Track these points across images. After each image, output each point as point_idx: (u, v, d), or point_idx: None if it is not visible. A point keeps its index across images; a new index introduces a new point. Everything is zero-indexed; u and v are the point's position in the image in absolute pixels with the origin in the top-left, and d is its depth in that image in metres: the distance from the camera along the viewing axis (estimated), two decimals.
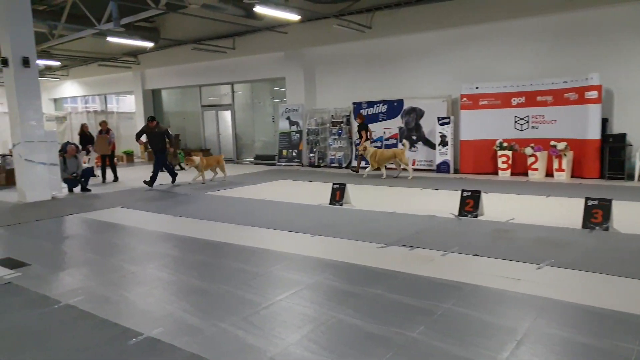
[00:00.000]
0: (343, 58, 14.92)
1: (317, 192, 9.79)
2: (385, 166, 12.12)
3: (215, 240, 6.13)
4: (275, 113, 16.87)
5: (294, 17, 12.22)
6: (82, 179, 10.91)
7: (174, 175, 11.95)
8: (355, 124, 14.49)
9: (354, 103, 14.54)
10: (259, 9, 11.11)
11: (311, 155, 15.48)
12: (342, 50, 14.80)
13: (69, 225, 7.53)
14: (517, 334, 3.25)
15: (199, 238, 6.27)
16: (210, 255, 5.48)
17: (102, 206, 8.96)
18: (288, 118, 15.80)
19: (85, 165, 12.27)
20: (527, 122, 11.78)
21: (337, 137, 14.91)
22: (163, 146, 11.72)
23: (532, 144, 11.33)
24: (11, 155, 11.93)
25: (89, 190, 10.94)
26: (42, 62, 17.93)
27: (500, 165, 11.92)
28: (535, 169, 11.36)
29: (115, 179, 12.86)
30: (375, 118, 14.16)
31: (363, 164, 13.14)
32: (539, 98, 11.53)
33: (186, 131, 19.74)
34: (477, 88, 12.25)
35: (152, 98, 20.64)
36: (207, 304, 3.98)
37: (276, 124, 16.59)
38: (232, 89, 17.99)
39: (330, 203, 8.33)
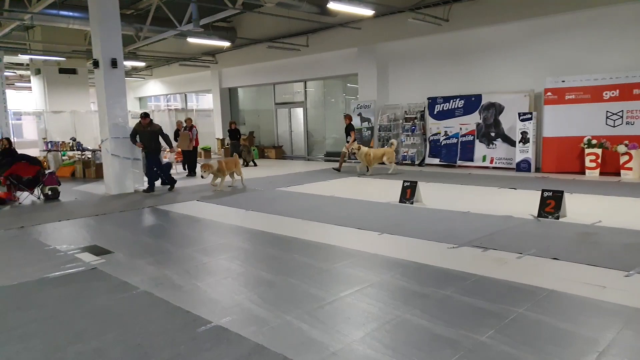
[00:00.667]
0: (417, 52, 14.59)
1: (387, 189, 9.64)
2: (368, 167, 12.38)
3: (283, 234, 6.21)
4: (347, 109, 16.84)
5: (368, 12, 12.12)
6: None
7: (171, 182, 10.90)
8: (430, 120, 14.14)
9: (429, 98, 14.18)
10: (333, 5, 11.12)
11: None
12: (417, 45, 14.47)
13: (148, 216, 7.97)
14: (598, 344, 2.99)
15: (268, 232, 6.39)
16: (279, 248, 5.56)
17: (180, 199, 9.39)
18: (360, 114, 15.72)
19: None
20: (621, 117, 10.86)
21: (410, 133, 14.62)
22: (157, 147, 10.45)
23: (626, 141, 10.43)
24: (100, 150, 12.88)
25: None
26: (128, 63, 19.16)
27: (587, 164, 11.10)
28: (629, 169, 10.45)
29: (193, 174, 13.45)
30: (451, 114, 13.73)
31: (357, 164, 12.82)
32: (635, 91, 10.59)
33: (260, 128, 20.26)
34: (563, 82, 11.48)
35: (229, 96, 21.38)
36: (273, 296, 4.03)
37: None
38: (305, 86, 18.21)
39: (400, 201, 8.17)
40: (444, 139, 13.92)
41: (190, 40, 15.16)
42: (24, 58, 19.15)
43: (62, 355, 3.12)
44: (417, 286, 4.15)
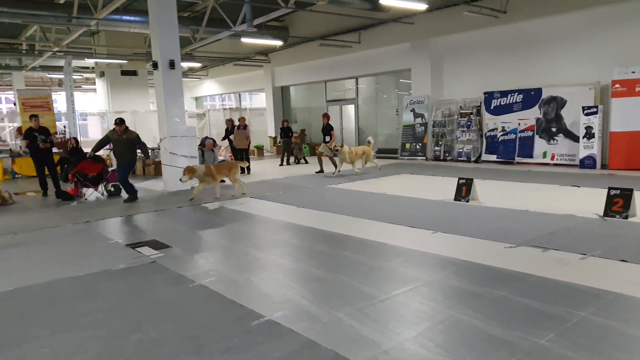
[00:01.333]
0: (473, 46, 14.17)
1: (441, 187, 9.44)
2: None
3: (334, 231, 6.22)
4: (400, 105, 16.63)
5: (422, 6, 11.89)
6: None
7: (131, 193, 9.56)
8: (486, 115, 13.71)
9: (485, 93, 13.75)
10: (385, 1, 10.99)
11: (436, 148, 14.99)
12: (473, 38, 14.06)
13: (204, 212, 8.21)
14: None
15: (319, 229, 6.41)
16: (330, 245, 5.57)
17: (234, 196, 9.60)
18: (412, 110, 15.47)
19: (220, 159, 13.24)
20: None
21: (465, 129, 14.24)
22: (132, 157, 9.45)
23: None
24: (159, 149, 13.39)
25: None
26: (185, 64, 19.81)
27: None
28: None
29: (248, 171, 13.69)
30: (509, 108, 13.24)
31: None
32: None
33: (311, 126, 20.37)
34: (633, 72, 10.79)
35: (281, 94, 21.65)
36: (324, 292, 4.04)
37: (400, 116, 16.35)
38: (357, 83, 18.13)
39: (455, 199, 7.97)
40: (502, 135, 13.45)
41: (244, 40, 15.46)
42: (89, 62, 20.22)
43: (124, 343, 3.27)
44: (471, 286, 4.03)
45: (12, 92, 25.12)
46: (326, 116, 13.42)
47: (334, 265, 4.80)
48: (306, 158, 16.31)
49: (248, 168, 13.70)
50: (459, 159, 14.27)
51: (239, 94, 26.07)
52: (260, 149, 19.95)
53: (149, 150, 9.75)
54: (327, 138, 13.07)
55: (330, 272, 4.57)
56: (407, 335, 3.17)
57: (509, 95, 13.24)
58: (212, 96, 28.61)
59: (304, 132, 19.57)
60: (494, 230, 5.85)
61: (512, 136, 13.16)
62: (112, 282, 4.59)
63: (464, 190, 7.95)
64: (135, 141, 9.24)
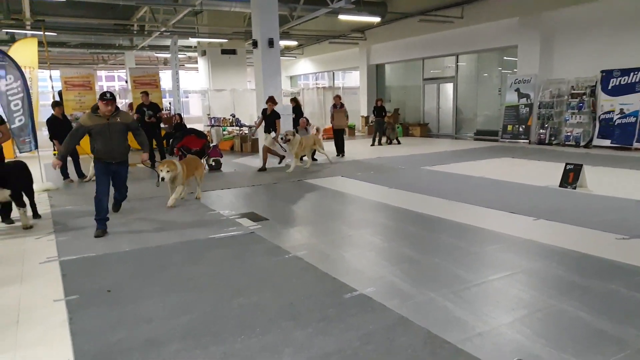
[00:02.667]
0: (591, 20, 12.94)
1: (545, 172, 8.88)
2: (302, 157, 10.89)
3: (428, 213, 6.13)
4: (503, 85, 15.73)
5: None
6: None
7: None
8: (602, 96, 12.54)
9: (602, 71, 12.55)
10: None
11: (541, 131, 14.03)
12: (590, 11, 12.83)
13: (298, 189, 8.45)
14: None
15: (412, 210, 6.35)
16: (423, 227, 5.51)
17: (327, 174, 9.77)
18: (517, 90, 14.58)
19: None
20: None
21: (576, 110, 13.16)
22: (125, 151, 5.99)
23: None
24: (256, 127, 13.92)
25: (315, 160, 12.02)
26: (282, 43, 20.21)
27: None
28: None
29: (342, 154, 13.22)
30: (630, 88, 12.00)
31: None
32: None
33: (406, 105, 19.99)
34: None
35: (376, 73, 21.41)
36: (417, 272, 4.04)
37: (502, 96, 15.49)
38: (457, 61, 17.40)
39: (561, 185, 7.46)
40: (619, 118, 12.26)
41: (341, 17, 15.41)
42: (192, 41, 21.32)
43: (228, 306, 3.53)
44: (577, 277, 3.80)
45: (124, 71, 27.36)
46: (271, 101, 10.44)
47: (428, 247, 4.75)
48: (399, 139, 16.07)
49: (342, 149, 13.13)
50: (567, 143, 13.26)
51: (333, 73, 26.19)
52: (351, 128, 20.00)
53: (147, 144, 6.33)
54: (271, 130, 10.52)
55: (424, 253, 4.54)
56: (503, 321, 3.08)
57: (632, 73, 11.97)
58: (306, 75, 29.02)
59: (397, 111, 19.27)
60: (604, 220, 5.43)
61: (632, 119, 11.95)
62: (215, 250, 4.94)
63: (571, 177, 7.41)
64: (132, 127, 6.00)
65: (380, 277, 3.96)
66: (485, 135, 16.06)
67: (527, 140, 14.25)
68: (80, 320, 3.36)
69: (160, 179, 6.80)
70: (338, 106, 13.19)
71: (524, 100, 14.44)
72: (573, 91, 13.25)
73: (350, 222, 5.94)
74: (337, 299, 3.55)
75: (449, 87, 17.91)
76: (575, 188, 7.27)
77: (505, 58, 15.96)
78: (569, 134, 13.29)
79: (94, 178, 8.85)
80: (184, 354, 2.87)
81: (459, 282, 3.78)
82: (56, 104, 9.66)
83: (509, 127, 14.90)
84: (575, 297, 3.41)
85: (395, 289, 3.68)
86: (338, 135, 13.10)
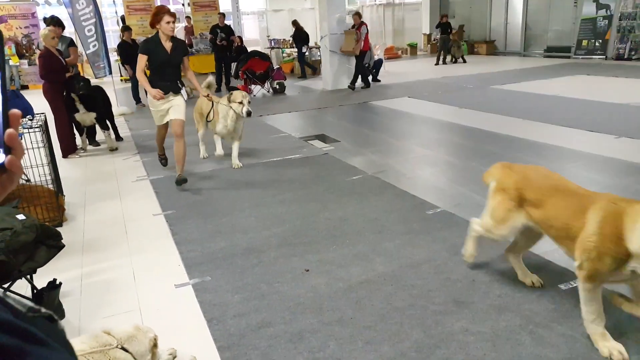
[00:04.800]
0: None
1: (625, 89, 8.38)
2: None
3: (503, 133, 6.04)
4: None
5: None
6: (374, 69, 11.85)
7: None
8: None
9: None
10: None
11: (620, 45, 13.00)
12: None
13: (365, 111, 8.46)
14: None
15: (485, 130, 6.28)
16: (498, 146, 5.47)
17: (392, 95, 9.66)
18: (596, 1, 13.40)
19: (376, 57, 13.13)
20: None
21: None
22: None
23: None
24: (317, 48, 13.70)
25: (379, 80, 11.85)
26: None
27: None
28: None
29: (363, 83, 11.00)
30: None
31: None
32: None
33: (471, 21, 18.87)
34: None
35: None
36: None
37: (578, 8, 14.30)
38: None
39: None
40: None
41: None
42: None
43: (315, 219, 3.78)
44: None
45: None
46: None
47: None
48: (464, 57, 15.39)
49: (358, 79, 10.72)
50: None
51: None
52: (413, 47, 19.27)
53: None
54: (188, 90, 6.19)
55: None
56: None
57: None
58: None
59: (462, 28, 18.20)
60: None
61: None
62: (294, 169, 5.17)
63: None
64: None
65: (461, 194, 4.07)
66: (557, 52, 15.07)
67: (604, 56, 13.29)
68: (181, 231, 3.72)
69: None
70: (356, 27, 10.52)
71: (602, 12, 13.30)
72: None
73: (423, 142, 5.98)
74: (420, 215, 3.71)
75: (517, 1, 16.67)
76: None
77: None
78: None
79: None
80: (282, 260, 3.16)
81: None
82: (125, 29, 9.88)
83: (584, 42, 13.89)
84: None
85: (478, 206, 3.76)
86: (359, 62, 10.72)
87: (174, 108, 4.61)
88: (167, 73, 4.56)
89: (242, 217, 3.93)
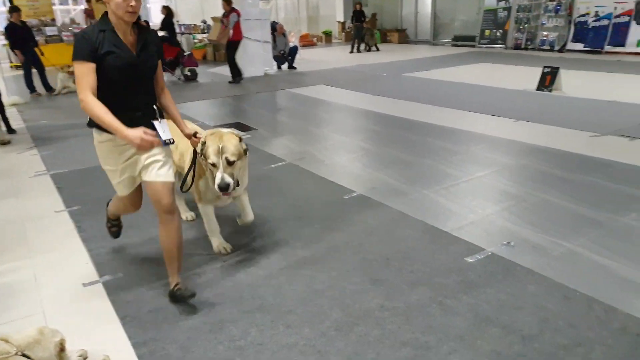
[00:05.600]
0: None
1: (522, 76, 9.05)
2: None
3: (415, 119, 6.30)
4: None
5: None
6: (289, 57, 11.82)
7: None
8: None
9: None
10: None
11: (518, 35, 14.01)
12: None
13: (281, 98, 8.44)
14: None
15: (399, 116, 6.51)
16: (411, 132, 5.70)
17: (308, 83, 9.71)
18: None
19: (291, 44, 13.07)
20: None
21: (553, 14, 13.11)
22: None
23: None
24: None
25: (295, 68, 11.85)
26: None
27: None
28: None
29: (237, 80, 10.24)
30: None
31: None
32: None
33: (383, 10, 19.39)
34: None
35: None
36: (410, 173, 4.28)
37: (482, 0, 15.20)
38: None
39: (538, 89, 7.69)
40: (593, 21, 12.31)
41: None
42: None
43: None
44: (558, 171, 4.12)
45: None
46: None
47: (418, 150, 4.98)
48: (377, 45, 15.81)
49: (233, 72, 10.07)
50: (542, 47, 13.35)
51: None
52: (328, 35, 19.46)
53: None
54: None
55: (415, 156, 4.77)
56: (492, 211, 3.40)
57: None
58: None
59: (375, 16, 18.72)
60: (578, 120, 5.73)
61: (605, 22, 12.03)
62: None
63: (547, 80, 7.63)
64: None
65: (377, 179, 4.20)
66: (463, 41, 15.94)
67: (504, 45, 14.27)
68: (89, 228, 3.48)
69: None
70: (225, 14, 9.75)
71: (502, 4, 14.24)
72: None
73: (340, 129, 6.08)
74: (337, 200, 3.79)
75: None
76: (551, 91, 7.52)
77: None
78: (544, 38, 13.34)
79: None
80: (200, 252, 3.08)
81: (450, 179, 4.05)
82: (13, 9, 8.97)
83: (487, 32, 14.81)
84: (557, 188, 3.74)
85: (392, 189, 3.93)
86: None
87: (154, 159, 2.47)
88: (134, 91, 2.43)
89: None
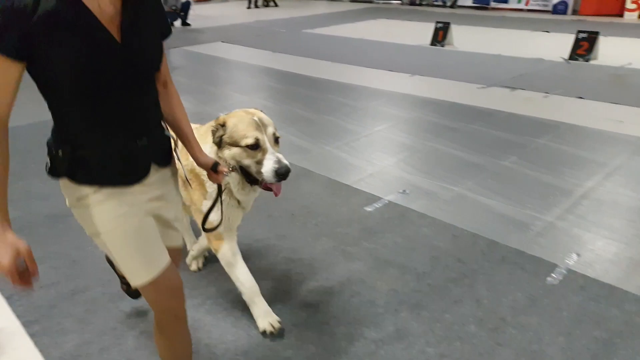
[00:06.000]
0: None
1: (417, 32, 9.38)
2: None
3: (315, 76, 6.33)
4: None
5: None
6: (182, 13, 11.17)
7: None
8: None
9: None
10: None
11: None
12: None
13: (176, 57, 8.01)
14: (607, 167, 3.37)
15: (299, 73, 6.50)
16: (311, 89, 5.73)
17: (204, 40, 9.30)
18: None
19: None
20: None
21: None
22: None
23: None
24: None
25: (189, 24, 11.25)
26: None
27: (628, 5, 10.47)
28: None
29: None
30: None
31: None
32: None
33: None
34: None
35: None
36: (312, 130, 4.33)
37: None
38: None
39: (432, 44, 8.04)
40: None
41: None
42: None
43: None
44: (448, 121, 4.40)
45: None
46: None
47: (319, 107, 5.03)
48: (276, 1, 15.45)
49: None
50: (435, 3, 13.90)
51: None
52: None
53: None
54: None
55: (316, 113, 4.82)
56: (389, 162, 3.57)
57: None
58: None
59: None
60: (468, 73, 6.11)
61: None
62: None
63: (440, 35, 7.99)
64: None
65: (282, 137, 4.19)
66: None
67: (400, 1, 14.63)
68: None
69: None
70: None
71: None
72: None
73: (240, 88, 5.95)
74: None
75: None
76: (444, 46, 7.90)
77: None
78: None
79: None
80: None
81: (350, 135, 4.17)
82: None
83: None
84: (447, 137, 4.00)
85: (295, 147, 3.96)
86: None
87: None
88: (125, 105, 1.26)
89: (40, 182, 3.48)
